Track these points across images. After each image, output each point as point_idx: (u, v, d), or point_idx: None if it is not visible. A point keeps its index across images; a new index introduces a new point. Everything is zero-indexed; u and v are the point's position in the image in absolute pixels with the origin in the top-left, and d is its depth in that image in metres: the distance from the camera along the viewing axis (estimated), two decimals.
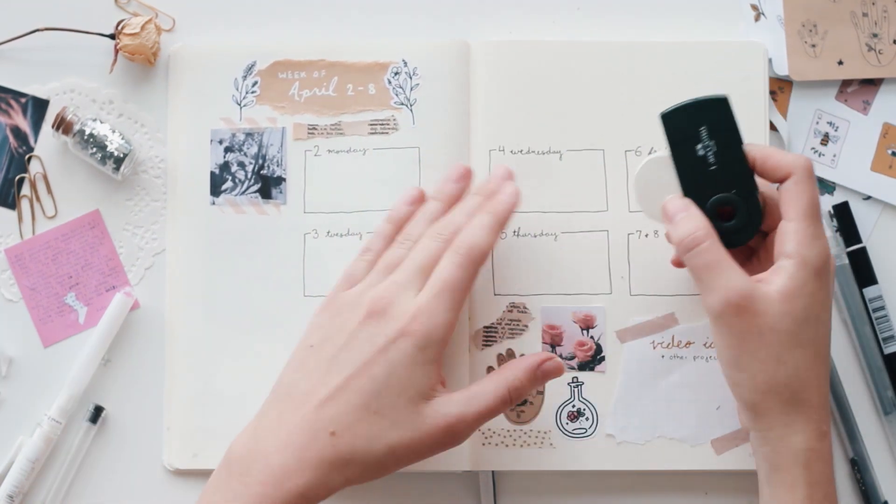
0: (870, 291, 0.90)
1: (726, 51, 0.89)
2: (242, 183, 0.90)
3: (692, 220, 0.78)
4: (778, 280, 0.76)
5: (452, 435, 0.78)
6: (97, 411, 0.88)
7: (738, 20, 0.91)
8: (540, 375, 0.80)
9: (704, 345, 0.87)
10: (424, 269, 0.80)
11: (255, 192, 0.90)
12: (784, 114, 0.90)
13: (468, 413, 0.78)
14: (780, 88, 0.90)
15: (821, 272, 0.76)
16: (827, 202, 0.91)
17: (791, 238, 0.76)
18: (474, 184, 0.86)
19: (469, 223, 0.81)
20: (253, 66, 0.90)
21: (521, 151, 0.89)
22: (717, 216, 0.79)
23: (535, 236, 0.88)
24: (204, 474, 0.88)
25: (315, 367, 0.79)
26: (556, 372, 0.81)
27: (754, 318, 0.75)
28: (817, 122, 0.90)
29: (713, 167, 0.79)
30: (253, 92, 0.90)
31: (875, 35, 0.89)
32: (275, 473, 0.76)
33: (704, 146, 0.79)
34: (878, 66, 0.89)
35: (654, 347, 0.87)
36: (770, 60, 0.90)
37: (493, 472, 0.88)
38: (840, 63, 0.90)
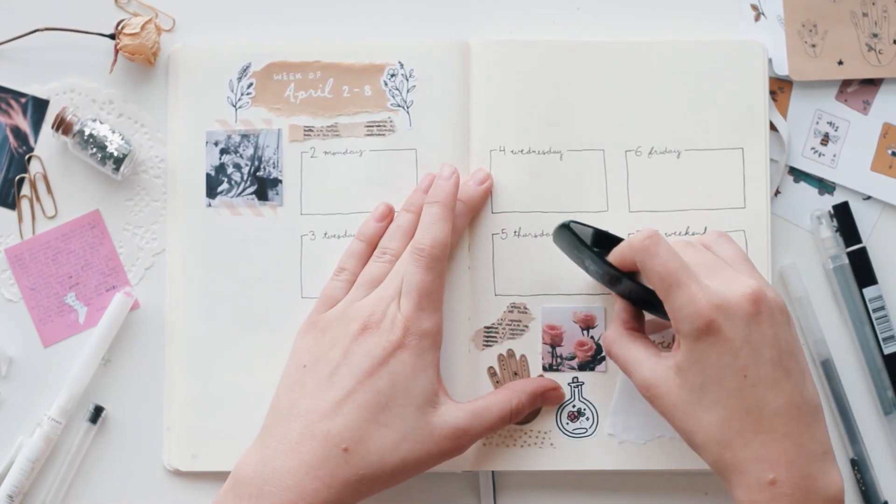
0: (869, 291, 0.90)
1: (726, 51, 0.90)
2: (238, 185, 0.90)
3: (608, 327, 0.83)
4: (672, 356, 0.77)
5: (458, 446, 0.80)
6: (97, 411, 0.89)
7: (738, 20, 0.92)
8: (541, 402, 0.86)
9: None
10: None
11: (252, 193, 0.90)
12: (784, 114, 0.91)
13: (473, 427, 0.81)
14: (780, 88, 0.91)
15: (701, 335, 0.74)
16: (827, 202, 0.91)
17: (670, 316, 0.77)
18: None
19: (421, 221, 0.83)
20: (248, 67, 0.90)
21: (522, 151, 0.89)
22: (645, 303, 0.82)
23: (536, 236, 0.88)
24: (203, 476, 0.89)
25: (314, 385, 0.79)
26: (559, 401, 0.87)
27: (661, 399, 0.77)
28: (817, 122, 0.91)
29: (605, 275, 0.82)
30: (248, 93, 0.90)
31: (875, 35, 0.90)
32: (290, 494, 0.76)
33: (586, 263, 0.82)
34: (878, 66, 0.90)
35: None
36: (770, 60, 0.90)
37: (493, 472, 0.89)
38: (840, 63, 0.90)
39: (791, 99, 0.91)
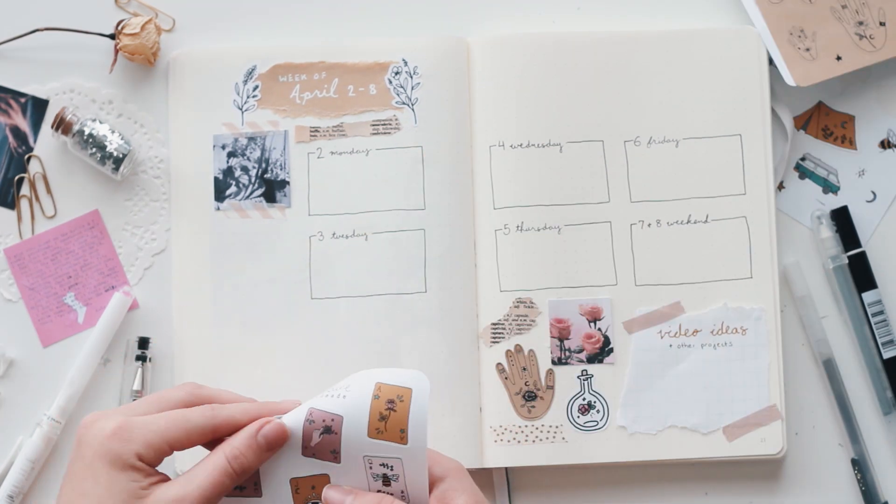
0: (868, 296, 0.93)
1: (721, 37, 0.93)
2: (246, 187, 0.93)
3: None
4: None
5: None
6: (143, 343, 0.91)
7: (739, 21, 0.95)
8: (263, 442, 0.76)
9: (712, 332, 0.91)
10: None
11: (260, 196, 0.92)
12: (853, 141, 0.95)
13: (189, 492, 0.74)
14: (842, 124, 0.95)
15: None
16: (831, 201, 0.94)
17: None
18: None
19: None
20: (253, 70, 0.93)
21: (521, 145, 0.92)
22: None
23: (539, 230, 0.91)
24: None
25: None
26: (277, 434, 0.76)
27: None
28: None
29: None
30: (254, 96, 0.93)
31: (861, 23, 0.93)
32: None
33: None
34: (874, 50, 0.93)
35: (662, 337, 0.91)
36: (774, 64, 0.93)
37: (506, 469, 0.91)
38: (839, 58, 0.93)
39: (857, 127, 0.95)
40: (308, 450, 0.75)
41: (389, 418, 0.74)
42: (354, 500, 0.76)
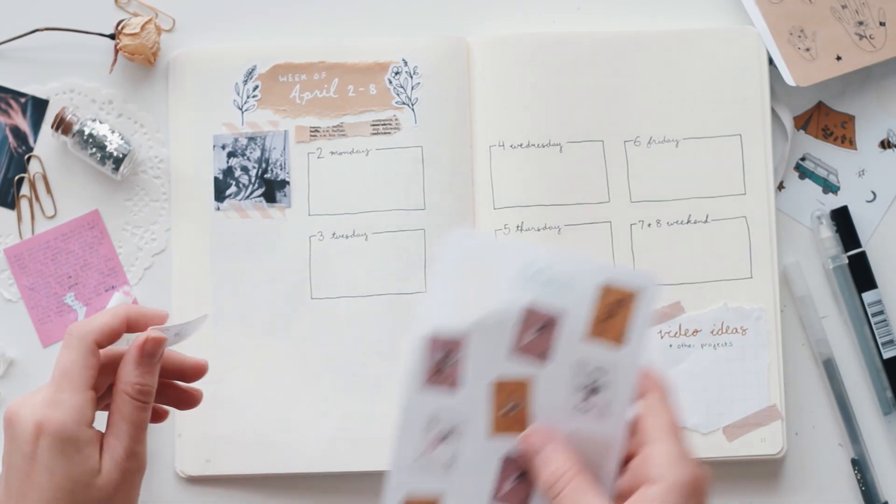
0: (869, 296, 0.93)
1: (721, 37, 0.94)
2: (246, 187, 0.93)
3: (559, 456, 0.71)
4: None
5: (138, 468, 0.73)
6: None
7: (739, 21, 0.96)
8: (149, 360, 0.73)
9: (711, 332, 0.91)
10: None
11: (260, 196, 0.93)
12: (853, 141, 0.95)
13: (120, 452, 0.72)
14: (842, 124, 0.95)
15: (690, 496, 0.66)
16: (831, 201, 0.95)
17: (657, 461, 0.67)
18: None
19: None
20: (253, 70, 0.94)
21: (521, 145, 0.93)
22: None
23: (539, 230, 0.92)
24: (218, 480, 0.90)
25: None
26: (159, 345, 0.73)
27: None
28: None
29: None
30: (254, 96, 0.94)
31: (861, 23, 0.94)
32: None
33: None
34: (874, 50, 0.94)
35: (662, 337, 0.91)
36: (774, 64, 0.94)
37: None
38: (839, 58, 0.94)
39: (857, 127, 0.95)
40: (518, 348, 0.70)
41: (611, 319, 0.70)
42: (547, 453, 0.69)
